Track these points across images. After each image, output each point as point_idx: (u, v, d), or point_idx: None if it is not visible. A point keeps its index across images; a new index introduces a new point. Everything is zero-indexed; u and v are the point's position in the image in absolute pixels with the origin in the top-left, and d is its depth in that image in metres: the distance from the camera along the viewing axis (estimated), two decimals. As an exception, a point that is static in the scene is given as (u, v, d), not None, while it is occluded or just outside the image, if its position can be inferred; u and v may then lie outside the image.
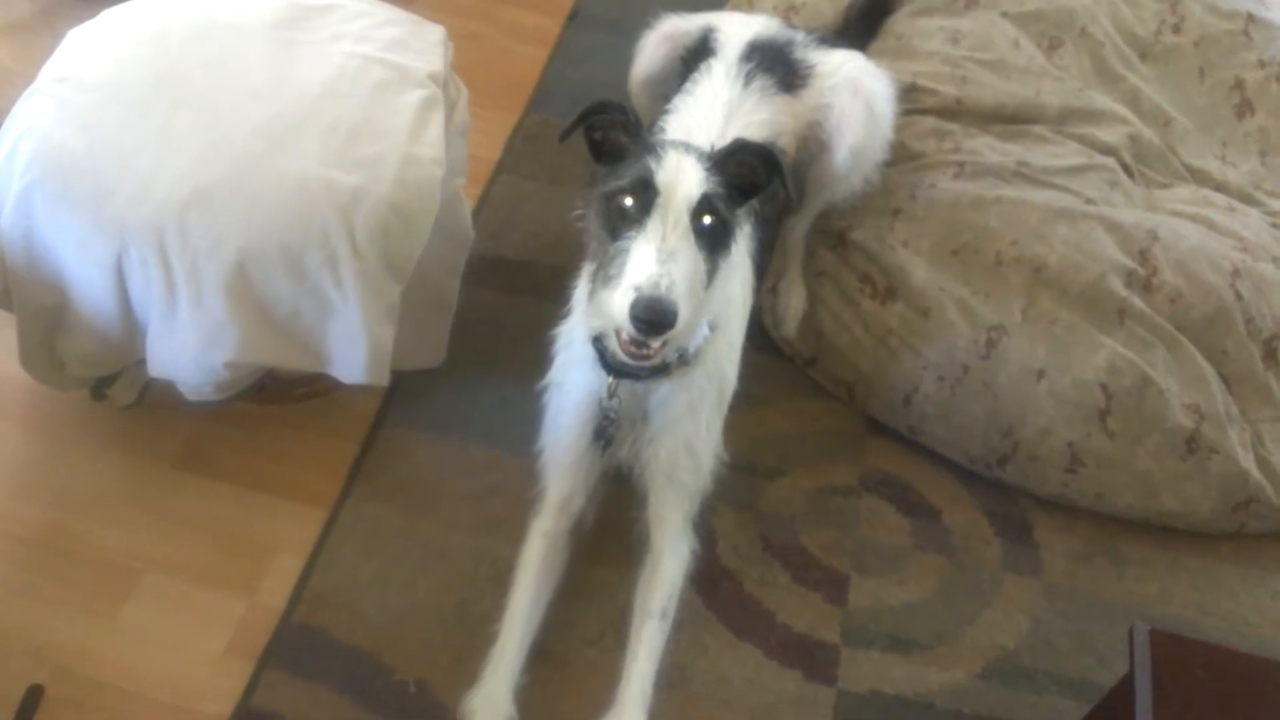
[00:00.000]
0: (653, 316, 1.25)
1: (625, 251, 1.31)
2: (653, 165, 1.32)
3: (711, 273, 1.37)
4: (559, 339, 1.62)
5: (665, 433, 1.57)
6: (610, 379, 1.49)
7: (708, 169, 1.34)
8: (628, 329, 1.29)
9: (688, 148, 1.37)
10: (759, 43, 1.86)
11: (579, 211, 1.47)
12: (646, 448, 1.58)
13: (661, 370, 1.45)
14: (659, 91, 1.87)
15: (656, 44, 1.95)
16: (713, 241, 1.35)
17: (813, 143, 1.88)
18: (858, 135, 1.84)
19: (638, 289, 1.26)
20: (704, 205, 1.32)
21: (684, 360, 1.47)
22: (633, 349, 1.33)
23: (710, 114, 1.73)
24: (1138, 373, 1.83)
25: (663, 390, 1.53)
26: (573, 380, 1.58)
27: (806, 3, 2.40)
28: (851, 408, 1.99)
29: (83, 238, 1.53)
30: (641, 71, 1.98)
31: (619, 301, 1.29)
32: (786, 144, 1.80)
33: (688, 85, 1.81)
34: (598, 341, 1.45)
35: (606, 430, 1.55)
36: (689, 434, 1.57)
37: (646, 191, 1.31)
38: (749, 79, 1.79)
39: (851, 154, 1.85)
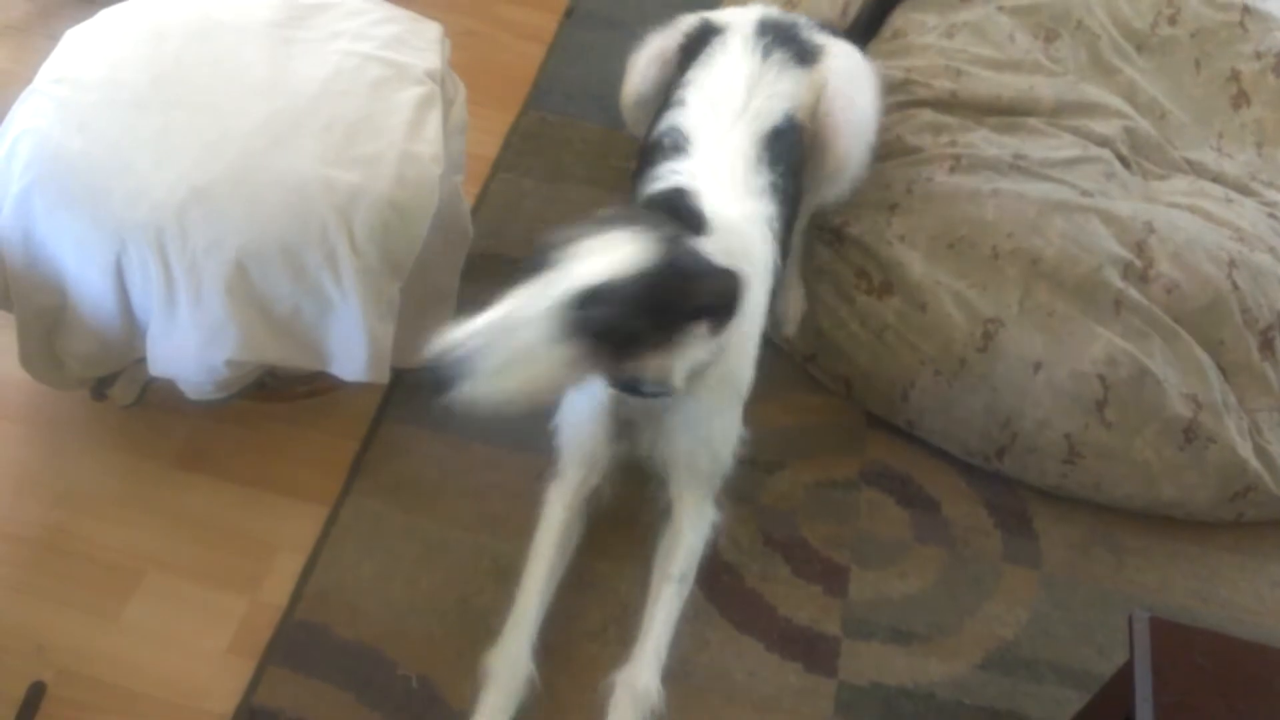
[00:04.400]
0: None
1: None
2: None
3: None
4: None
5: (680, 432, 1.57)
6: (613, 392, 1.50)
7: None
8: None
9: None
10: (768, 21, 1.83)
11: None
12: (663, 445, 1.59)
13: (663, 390, 1.44)
14: (653, 108, 1.84)
15: (647, 64, 1.92)
16: None
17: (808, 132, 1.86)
18: (852, 127, 1.83)
19: None
20: None
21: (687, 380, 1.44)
22: None
23: (732, 86, 1.68)
24: (1135, 364, 1.84)
25: (674, 398, 1.52)
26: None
27: (802, -1, 2.41)
28: (850, 402, 2.00)
29: (81, 238, 1.53)
30: (633, 92, 1.95)
31: None
32: (804, 118, 1.77)
33: (702, 59, 1.77)
34: None
35: (624, 433, 1.57)
36: (705, 432, 1.58)
37: None
38: (767, 51, 1.75)
39: (846, 147, 1.84)
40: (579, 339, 1.21)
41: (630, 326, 1.23)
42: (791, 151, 1.71)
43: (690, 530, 1.61)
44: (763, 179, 1.59)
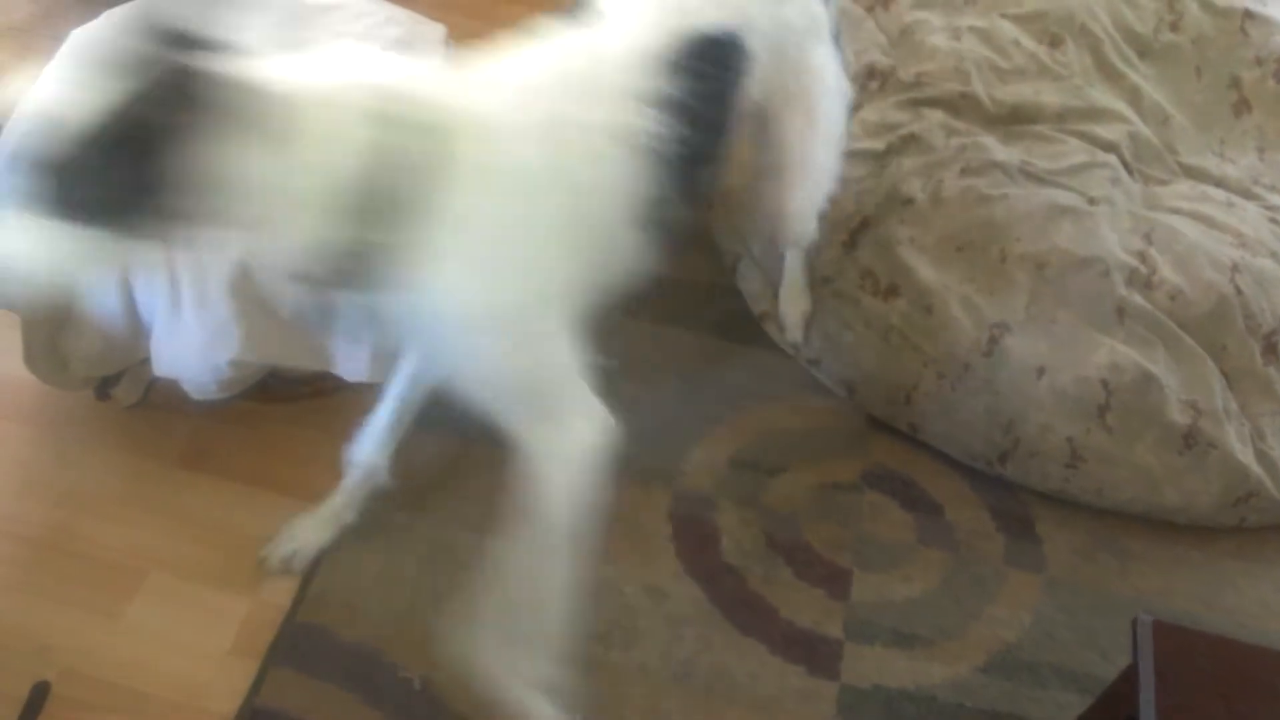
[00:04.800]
0: None
1: None
2: None
3: None
4: None
5: (442, 362, 1.31)
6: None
7: None
8: None
9: None
10: None
11: None
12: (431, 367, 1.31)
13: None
14: None
15: None
16: None
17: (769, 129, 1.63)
18: (809, 191, 1.73)
19: None
20: None
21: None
22: None
23: None
24: (1139, 370, 1.84)
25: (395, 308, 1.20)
26: None
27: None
28: (853, 405, 2.00)
29: (87, 237, 1.53)
30: None
31: None
32: (756, 46, 1.42)
33: None
34: None
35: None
36: (476, 362, 1.28)
37: None
38: None
39: (800, 207, 1.74)
40: (53, 209, 0.95)
41: (78, 185, 0.94)
42: (725, 75, 1.39)
43: (543, 456, 1.25)
44: (654, 84, 1.25)
